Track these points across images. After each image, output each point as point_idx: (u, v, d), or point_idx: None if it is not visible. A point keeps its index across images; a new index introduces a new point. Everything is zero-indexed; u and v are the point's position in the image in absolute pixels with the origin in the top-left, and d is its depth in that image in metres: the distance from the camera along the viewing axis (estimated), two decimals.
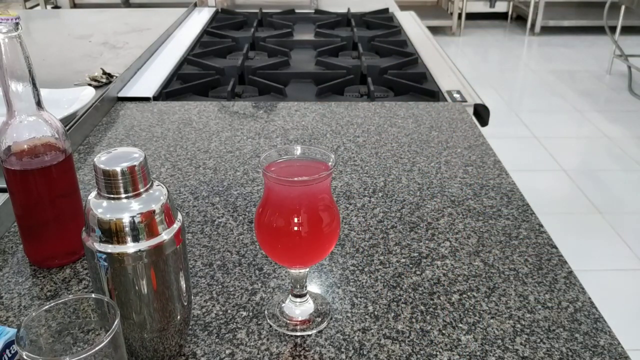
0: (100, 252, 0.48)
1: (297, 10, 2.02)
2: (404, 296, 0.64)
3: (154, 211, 0.49)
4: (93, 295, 0.46)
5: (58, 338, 0.46)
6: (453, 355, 0.56)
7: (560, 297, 0.64)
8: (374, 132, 1.06)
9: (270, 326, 0.60)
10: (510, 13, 5.72)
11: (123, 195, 0.48)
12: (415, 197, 0.84)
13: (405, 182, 0.89)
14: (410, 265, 0.69)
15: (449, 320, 0.61)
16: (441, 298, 0.64)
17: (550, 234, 0.76)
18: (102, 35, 1.66)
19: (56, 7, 2.44)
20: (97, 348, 0.40)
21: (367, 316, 0.61)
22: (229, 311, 0.62)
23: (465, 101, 1.21)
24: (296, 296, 0.61)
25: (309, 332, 0.59)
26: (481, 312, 0.62)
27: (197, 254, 0.72)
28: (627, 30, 4.59)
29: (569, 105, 3.72)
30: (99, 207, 0.48)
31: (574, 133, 3.35)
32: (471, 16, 5.59)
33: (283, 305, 0.62)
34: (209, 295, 0.65)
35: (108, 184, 0.48)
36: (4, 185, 0.66)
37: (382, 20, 1.89)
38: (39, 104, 0.62)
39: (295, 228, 0.54)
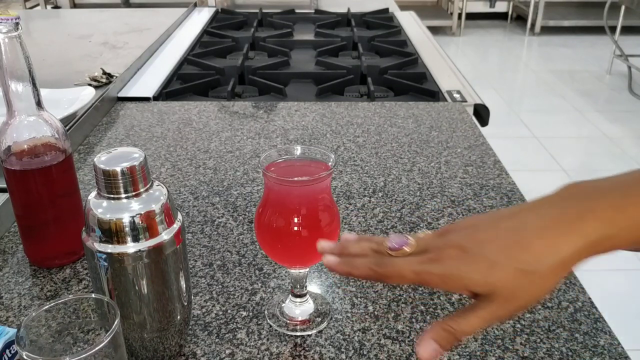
0: (100, 252, 0.48)
1: (297, 10, 2.02)
2: (404, 296, 0.64)
3: (154, 211, 0.49)
4: (93, 295, 0.46)
5: (58, 338, 0.46)
6: (453, 355, 0.56)
7: (560, 297, 0.64)
8: (374, 132, 1.06)
9: (270, 326, 0.60)
10: (510, 13, 5.72)
11: (123, 195, 0.48)
12: (415, 197, 0.84)
13: (405, 182, 0.89)
14: None
15: None
16: (441, 298, 0.64)
17: None
18: (102, 35, 1.66)
19: (56, 7, 2.44)
20: (97, 348, 0.40)
21: (367, 316, 0.61)
22: (229, 311, 0.62)
23: (465, 101, 1.21)
24: (296, 296, 0.61)
25: (309, 332, 0.59)
26: None
27: (197, 254, 0.72)
28: (627, 30, 4.59)
29: (569, 105, 3.72)
30: (99, 207, 0.48)
31: (574, 133, 3.34)
32: (471, 16, 5.59)
33: (283, 305, 0.62)
34: (209, 295, 0.65)
35: (108, 184, 0.48)
36: (4, 185, 0.66)
37: (382, 20, 1.89)
38: (39, 104, 0.62)
39: (295, 228, 0.54)
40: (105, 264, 0.49)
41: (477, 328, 0.40)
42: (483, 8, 5.67)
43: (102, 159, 0.48)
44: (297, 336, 0.59)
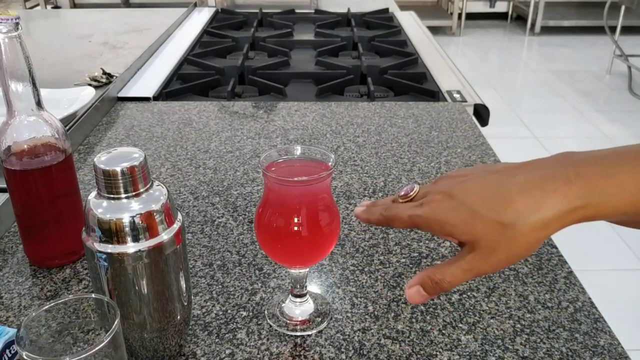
0: (100, 252, 0.48)
1: (297, 10, 2.02)
2: (404, 296, 0.64)
3: (154, 211, 0.49)
4: (93, 295, 0.46)
5: (58, 338, 0.46)
6: (453, 355, 0.56)
7: (560, 297, 0.64)
8: (374, 132, 1.06)
9: (270, 326, 0.60)
10: (510, 13, 5.73)
11: (123, 195, 0.48)
12: None
13: (405, 182, 0.89)
14: (410, 265, 0.69)
15: (449, 320, 0.61)
16: (441, 298, 0.64)
17: None
18: (102, 35, 1.66)
19: (56, 7, 2.45)
20: (97, 348, 0.40)
21: (367, 316, 0.61)
22: (229, 311, 0.62)
23: (465, 101, 1.21)
24: (296, 296, 0.61)
25: (309, 332, 0.59)
26: (481, 312, 0.62)
27: (197, 254, 0.72)
28: (627, 30, 4.59)
29: (569, 105, 3.72)
30: (99, 207, 0.48)
31: (574, 133, 3.35)
32: (471, 16, 5.59)
33: (283, 305, 0.62)
34: (209, 295, 0.65)
35: (108, 184, 0.48)
36: (4, 185, 0.66)
37: (382, 20, 1.89)
38: (39, 104, 0.62)
39: (295, 228, 0.54)
40: (105, 264, 0.49)
41: (460, 278, 0.41)
42: (483, 8, 5.67)
43: (102, 159, 0.48)
44: (297, 336, 0.59)
